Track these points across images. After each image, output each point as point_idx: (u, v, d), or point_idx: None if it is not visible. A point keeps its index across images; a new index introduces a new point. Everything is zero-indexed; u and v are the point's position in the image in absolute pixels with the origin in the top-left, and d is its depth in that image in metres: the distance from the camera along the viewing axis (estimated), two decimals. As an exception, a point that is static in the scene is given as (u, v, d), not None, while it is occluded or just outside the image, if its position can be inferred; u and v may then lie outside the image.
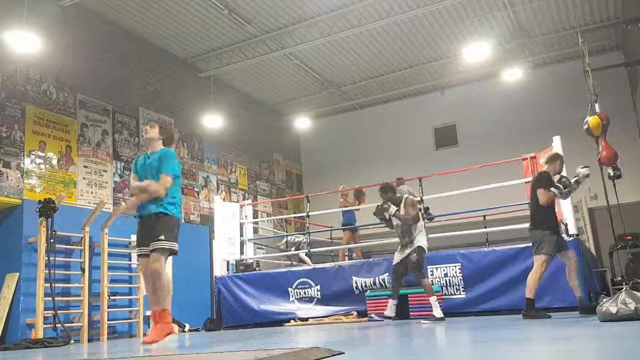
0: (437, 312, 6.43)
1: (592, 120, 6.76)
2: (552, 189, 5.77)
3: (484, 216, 10.41)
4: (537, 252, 5.73)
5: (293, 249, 11.48)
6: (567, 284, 6.02)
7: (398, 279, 6.80)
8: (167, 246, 4.71)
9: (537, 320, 5.41)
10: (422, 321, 6.43)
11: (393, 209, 6.63)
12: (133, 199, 4.93)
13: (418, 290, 7.42)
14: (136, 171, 5.03)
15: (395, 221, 6.73)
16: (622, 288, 4.70)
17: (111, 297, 8.85)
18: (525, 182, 7.99)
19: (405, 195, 6.84)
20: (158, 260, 4.66)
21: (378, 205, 6.84)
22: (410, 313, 7.48)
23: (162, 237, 4.68)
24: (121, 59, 11.46)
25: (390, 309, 6.81)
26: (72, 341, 7.79)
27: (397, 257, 6.78)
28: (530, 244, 6.00)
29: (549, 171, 5.99)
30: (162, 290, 4.69)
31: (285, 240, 12.01)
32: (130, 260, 9.54)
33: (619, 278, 7.85)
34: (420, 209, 8.77)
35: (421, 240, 6.66)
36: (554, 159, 6.07)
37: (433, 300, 6.51)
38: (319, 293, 8.59)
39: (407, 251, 6.64)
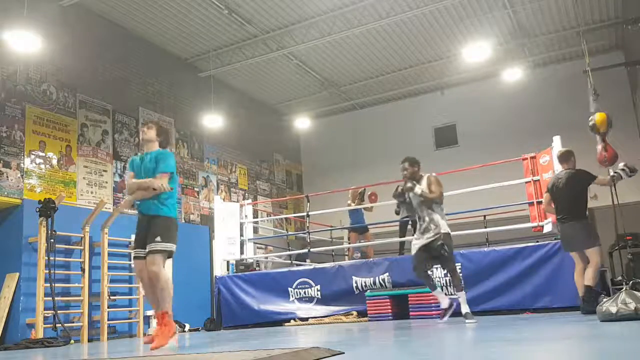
0: (465, 307, 5.80)
1: (598, 116, 6.75)
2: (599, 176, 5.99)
3: (484, 216, 10.40)
4: (595, 245, 5.79)
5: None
6: (567, 283, 6.03)
7: (422, 269, 5.97)
8: (163, 248, 4.64)
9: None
10: (466, 321, 5.61)
11: (419, 188, 5.85)
12: (129, 197, 4.90)
13: (417, 290, 7.43)
14: (133, 170, 5.02)
15: (415, 201, 5.97)
16: (622, 288, 4.69)
17: (111, 297, 8.85)
18: (526, 182, 7.99)
19: (428, 174, 6.06)
20: (155, 263, 4.59)
21: (398, 186, 6.10)
22: (410, 313, 7.48)
23: (159, 238, 4.61)
24: (121, 59, 11.46)
25: (442, 301, 6.04)
26: (72, 341, 7.79)
27: (416, 244, 5.94)
28: (566, 238, 6.00)
29: (565, 168, 6.13)
30: (161, 292, 4.63)
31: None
32: (130, 260, 9.54)
33: (619, 278, 7.84)
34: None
35: (444, 225, 5.84)
36: (569, 155, 6.17)
37: (462, 296, 5.82)
38: (319, 293, 8.59)
39: (428, 236, 5.84)
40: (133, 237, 5.09)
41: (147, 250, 4.64)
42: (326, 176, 15.97)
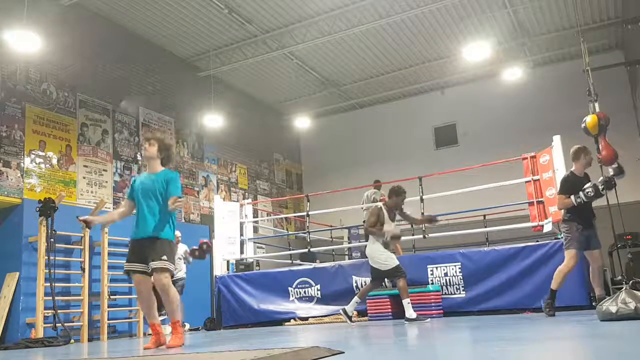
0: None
1: (590, 119, 6.74)
2: (572, 196, 5.55)
3: (484, 216, 10.41)
4: (566, 247, 5.74)
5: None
6: (567, 283, 6.01)
7: None
8: (169, 266, 4.80)
9: (545, 315, 5.56)
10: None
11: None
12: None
13: (418, 289, 7.43)
14: (131, 195, 5.01)
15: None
16: (622, 287, 4.69)
17: (111, 297, 8.85)
18: (526, 182, 7.99)
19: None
20: (166, 276, 4.75)
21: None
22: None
23: (165, 257, 4.75)
24: (121, 58, 11.46)
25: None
26: (72, 340, 7.79)
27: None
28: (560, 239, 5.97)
29: (577, 169, 5.77)
30: (171, 304, 4.78)
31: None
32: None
33: (619, 277, 7.85)
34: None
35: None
36: (578, 154, 5.79)
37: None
38: (319, 292, 8.59)
39: None
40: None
41: (155, 266, 4.70)
42: (326, 176, 15.97)
